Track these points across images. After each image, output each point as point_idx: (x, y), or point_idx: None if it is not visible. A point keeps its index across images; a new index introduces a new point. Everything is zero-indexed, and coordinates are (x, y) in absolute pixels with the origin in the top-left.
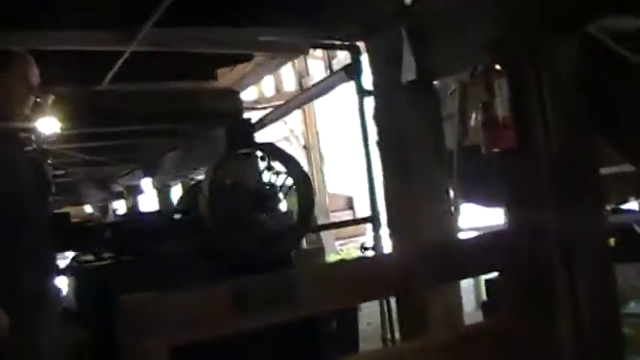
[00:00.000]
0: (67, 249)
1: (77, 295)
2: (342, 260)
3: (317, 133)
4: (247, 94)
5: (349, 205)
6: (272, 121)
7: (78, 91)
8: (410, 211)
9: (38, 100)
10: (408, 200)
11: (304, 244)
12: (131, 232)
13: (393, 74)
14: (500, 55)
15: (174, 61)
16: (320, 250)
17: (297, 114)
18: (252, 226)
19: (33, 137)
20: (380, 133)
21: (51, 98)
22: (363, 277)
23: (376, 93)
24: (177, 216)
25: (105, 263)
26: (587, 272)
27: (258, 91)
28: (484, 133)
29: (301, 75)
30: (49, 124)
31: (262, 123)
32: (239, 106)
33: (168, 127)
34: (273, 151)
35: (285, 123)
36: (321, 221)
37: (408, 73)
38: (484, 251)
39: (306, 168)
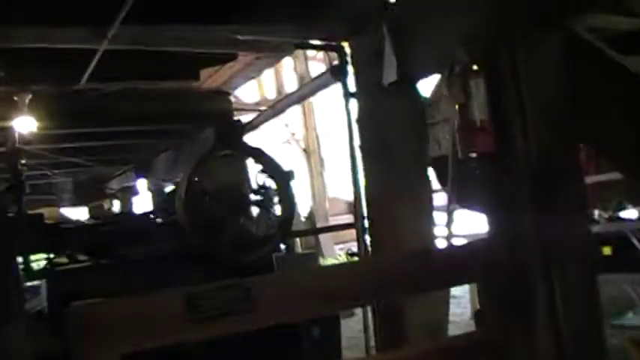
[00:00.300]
0: (40, 251)
1: (49, 298)
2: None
3: (317, 137)
4: (249, 96)
5: (350, 209)
6: (262, 122)
7: (60, 91)
8: (391, 217)
9: (15, 98)
10: (389, 206)
11: (299, 248)
12: (106, 234)
13: (376, 76)
14: (477, 51)
15: (155, 61)
16: (312, 255)
17: (298, 117)
18: (228, 230)
19: (6, 136)
20: (363, 137)
21: (28, 97)
22: (333, 285)
23: (359, 95)
24: (156, 219)
25: (78, 266)
26: (567, 283)
27: (260, 93)
28: (460, 136)
29: (302, 77)
30: (25, 123)
31: (252, 125)
32: (228, 107)
33: (159, 128)
34: (256, 154)
35: (287, 126)
36: (321, 225)
37: (390, 74)
38: (462, 261)
39: (305, 172)
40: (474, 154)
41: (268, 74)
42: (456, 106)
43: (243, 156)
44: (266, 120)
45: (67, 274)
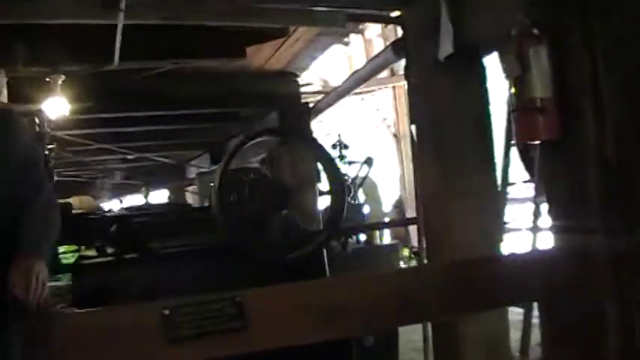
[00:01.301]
0: (67, 242)
1: (74, 294)
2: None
3: (408, 122)
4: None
5: None
6: (328, 105)
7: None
8: (446, 213)
9: (47, 80)
10: (444, 199)
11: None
12: (137, 226)
13: (431, 49)
14: (540, 11)
15: (195, 38)
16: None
17: (389, 101)
18: (264, 225)
19: (36, 120)
20: (414, 118)
21: (61, 78)
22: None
23: (412, 73)
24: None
25: (104, 260)
26: None
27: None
28: (516, 119)
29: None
30: (57, 106)
31: (318, 108)
32: (294, 90)
33: (222, 111)
34: (303, 140)
35: (377, 110)
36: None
37: (446, 45)
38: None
39: (395, 157)
40: (533, 142)
41: (359, 57)
42: (512, 81)
43: (292, 142)
44: (331, 103)
45: (93, 268)
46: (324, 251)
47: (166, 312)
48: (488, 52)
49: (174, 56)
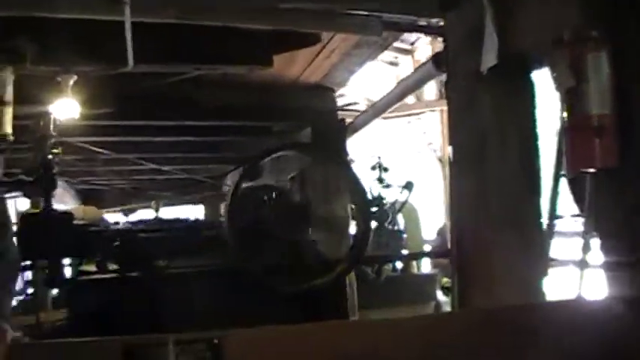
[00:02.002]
0: (66, 255)
1: (72, 310)
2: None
3: None
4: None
5: None
6: (365, 122)
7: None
8: (482, 245)
9: (59, 79)
10: (481, 230)
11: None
12: (142, 243)
13: (472, 60)
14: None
15: (216, 42)
16: (431, 277)
17: (436, 125)
18: (283, 248)
19: (41, 123)
20: (454, 140)
21: (72, 79)
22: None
23: (451, 85)
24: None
25: (102, 277)
26: None
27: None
28: (568, 140)
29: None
30: (67, 109)
31: (355, 126)
32: (330, 105)
33: (259, 125)
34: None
35: (424, 133)
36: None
37: (489, 56)
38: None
39: (440, 183)
40: (588, 170)
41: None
42: (563, 94)
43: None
44: (368, 121)
45: (91, 285)
46: (346, 281)
47: (126, 350)
48: (538, 63)
49: (195, 61)
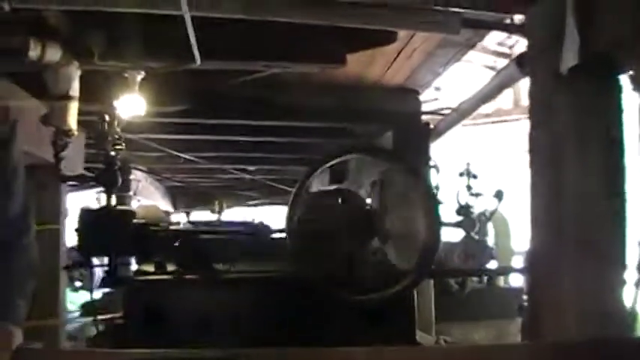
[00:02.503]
0: (126, 253)
1: (126, 311)
2: None
3: None
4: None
5: None
6: (449, 126)
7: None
8: (556, 267)
9: (125, 76)
10: (554, 245)
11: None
12: (204, 245)
13: (553, 60)
14: None
15: (287, 39)
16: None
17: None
18: (345, 257)
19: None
20: (532, 149)
21: (140, 75)
22: None
23: (532, 85)
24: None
25: (159, 278)
26: None
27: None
28: None
29: None
30: (133, 105)
31: (439, 130)
32: (415, 108)
33: (340, 126)
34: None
35: (520, 140)
36: None
37: (570, 55)
38: None
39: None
40: None
41: None
42: None
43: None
44: (452, 124)
45: (148, 285)
46: (414, 294)
47: None
48: (626, 62)
49: (264, 58)
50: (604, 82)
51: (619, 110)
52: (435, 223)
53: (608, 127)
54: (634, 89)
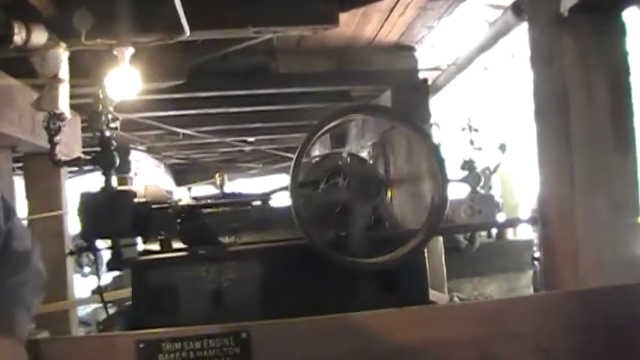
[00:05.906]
0: (129, 234)
1: (136, 292)
2: None
3: None
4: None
5: None
6: (447, 80)
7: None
8: (568, 213)
9: (114, 53)
10: (566, 194)
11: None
12: (204, 219)
13: (553, 2)
14: None
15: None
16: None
17: None
18: (348, 220)
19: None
20: (536, 97)
21: (129, 52)
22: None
23: (531, 31)
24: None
25: (165, 256)
26: None
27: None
28: None
29: None
30: (125, 82)
31: (437, 85)
32: (412, 65)
33: (337, 90)
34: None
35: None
36: None
37: None
38: None
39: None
40: None
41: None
42: None
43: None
44: (450, 78)
45: (155, 264)
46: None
47: (141, 345)
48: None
49: (255, 24)
50: (607, 24)
51: (624, 53)
52: (442, 180)
53: (613, 67)
54: None
